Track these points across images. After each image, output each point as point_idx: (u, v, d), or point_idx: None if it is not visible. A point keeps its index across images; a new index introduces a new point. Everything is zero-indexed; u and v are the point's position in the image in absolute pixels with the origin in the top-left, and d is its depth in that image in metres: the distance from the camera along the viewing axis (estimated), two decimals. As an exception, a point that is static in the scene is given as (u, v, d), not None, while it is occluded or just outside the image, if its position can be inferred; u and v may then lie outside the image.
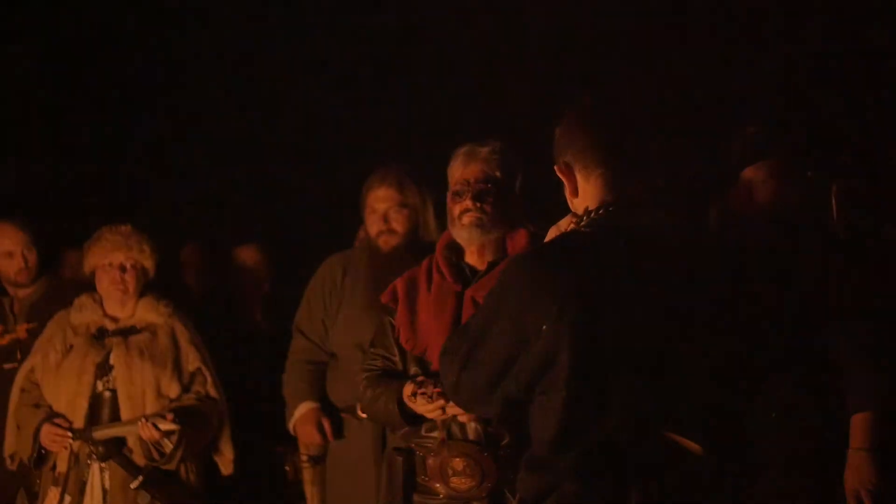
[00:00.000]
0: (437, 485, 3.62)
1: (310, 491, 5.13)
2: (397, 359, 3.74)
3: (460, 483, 3.59)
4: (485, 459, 3.57)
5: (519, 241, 3.71)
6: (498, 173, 3.66)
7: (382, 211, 4.79)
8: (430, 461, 3.62)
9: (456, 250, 3.74)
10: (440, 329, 3.61)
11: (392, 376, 3.72)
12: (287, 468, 5.28)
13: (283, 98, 6.46)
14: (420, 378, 3.60)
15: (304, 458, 5.12)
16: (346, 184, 5.14)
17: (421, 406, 3.56)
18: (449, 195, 3.72)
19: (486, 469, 3.57)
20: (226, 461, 4.82)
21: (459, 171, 3.68)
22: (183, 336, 4.79)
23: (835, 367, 4.10)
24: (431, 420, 3.62)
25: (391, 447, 3.82)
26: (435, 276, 3.70)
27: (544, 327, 2.66)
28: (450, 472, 3.59)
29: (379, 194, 4.81)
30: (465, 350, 2.83)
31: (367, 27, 6.35)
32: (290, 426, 4.97)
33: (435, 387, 3.52)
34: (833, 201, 4.79)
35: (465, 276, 3.70)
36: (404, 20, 6.30)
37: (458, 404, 3.15)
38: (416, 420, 3.63)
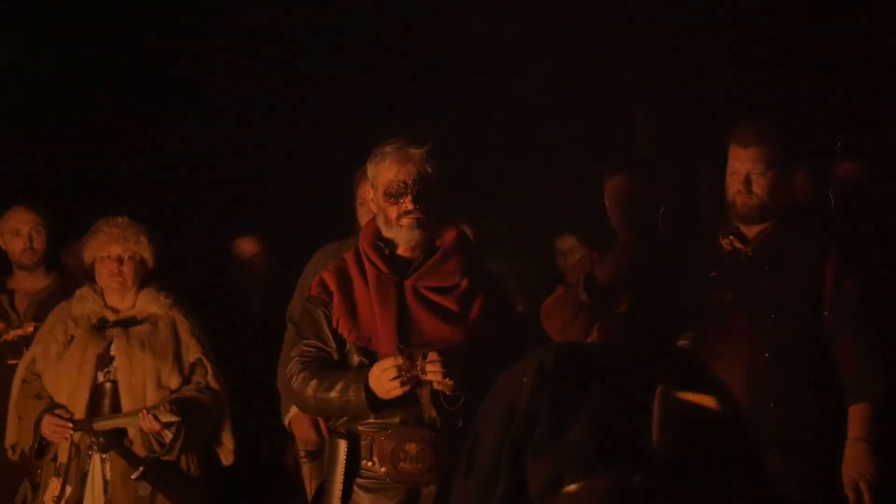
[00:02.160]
0: (384, 469, 3.63)
1: (309, 485, 5.12)
2: (333, 350, 3.74)
3: (410, 468, 3.62)
4: (440, 445, 3.60)
5: (448, 235, 3.81)
6: (431, 173, 3.72)
7: None
8: (381, 444, 3.63)
9: (388, 243, 3.79)
10: (384, 319, 3.67)
11: (332, 366, 3.71)
12: (287, 460, 5.29)
13: (284, 90, 6.45)
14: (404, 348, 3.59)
15: (302, 453, 5.13)
16: (346, 175, 5.14)
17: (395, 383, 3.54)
18: (380, 195, 3.74)
19: (440, 455, 3.60)
20: (226, 452, 4.82)
21: (393, 171, 3.71)
22: (184, 327, 4.79)
23: (832, 358, 4.12)
24: (391, 405, 3.62)
25: (333, 430, 3.81)
26: (369, 267, 3.75)
27: (525, 379, 2.69)
28: (402, 455, 3.61)
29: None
30: (467, 454, 2.88)
31: (365, 22, 6.36)
32: (286, 422, 4.97)
33: (424, 357, 3.52)
34: (831, 192, 4.81)
35: (399, 267, 3.76)
36: (401, 15, 6.31)
37: None
38: (381, 407, 3.62)
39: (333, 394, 3.63)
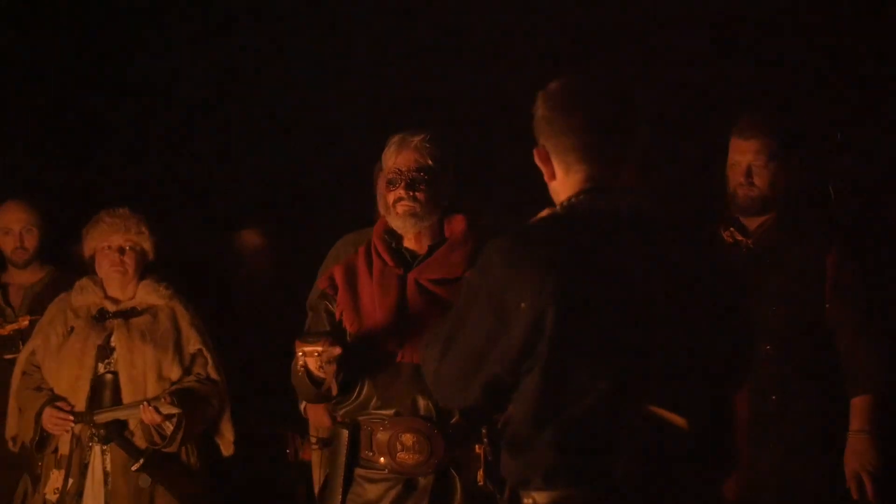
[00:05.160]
0: (383, 459, 3.66)
1: (318, 473, 5.12)
2: None
3: (407, 458, 3.64)
4: (435, 436, 3.62)
5: (457, 224, 3.79)
6: (430, 161, 3.70)
7: None
8: (379, 435, 3.66)
9: (395, 235, 3.80)
10: (384, 311, 3.68)
11: None
12: (287, 451, 5.29)
13: (286, 79, 6.43)
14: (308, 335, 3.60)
15: (314, 440, 5.13)
16: (351, 165, 5.13)
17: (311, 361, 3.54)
18: (383, 182, 3.78)
19: (435, 445, 3.62)
20: (226, 443, 4.82)
21: (392, 159, 3.72)
22: (184, 318, 4.79)
23: (834, 351, 4.13)
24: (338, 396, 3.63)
25: (337, 420, 3.84)
26: (375, 261, 3.77)
27: (523, 304, 2.64)
28: (398, 446, 3.64)
29: None
30: (445, 338, 2.83)
31: (379, 8, 6.34)
32: (302, 408, 4.97)
33: (329, 344, 3.51)
34: (831, 185, 4.82)
35: (405, 259, 3.77)
36: (417, 3, 6.29)
37: (438, 397, 3.16)
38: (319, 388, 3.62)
39: (293, 379, 3.69)
